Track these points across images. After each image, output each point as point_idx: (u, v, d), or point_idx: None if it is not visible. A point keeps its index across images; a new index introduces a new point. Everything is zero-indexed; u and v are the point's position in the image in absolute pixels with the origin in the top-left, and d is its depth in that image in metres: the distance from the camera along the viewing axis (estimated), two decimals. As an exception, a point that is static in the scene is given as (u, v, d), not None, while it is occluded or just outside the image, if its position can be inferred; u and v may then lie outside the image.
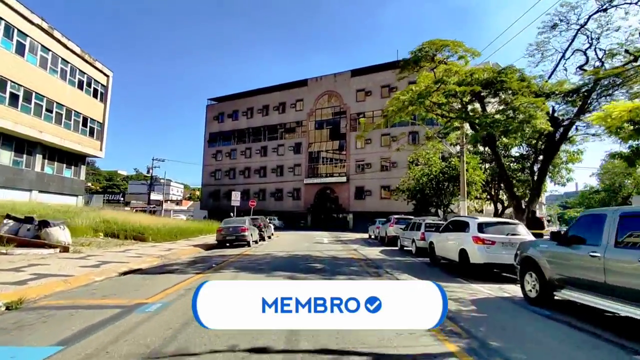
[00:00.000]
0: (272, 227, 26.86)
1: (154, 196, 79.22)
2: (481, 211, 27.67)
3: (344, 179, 44.73)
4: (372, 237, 24.86)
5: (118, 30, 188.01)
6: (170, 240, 17.77)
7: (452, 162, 21.36)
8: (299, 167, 48.70)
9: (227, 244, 16.56)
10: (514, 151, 24.81)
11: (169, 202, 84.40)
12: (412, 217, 19.26)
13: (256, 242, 18.95)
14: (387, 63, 43.74)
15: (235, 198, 25.23)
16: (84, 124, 27.76)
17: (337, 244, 20.01)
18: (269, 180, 50.75)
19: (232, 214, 32.55)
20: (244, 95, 55.76)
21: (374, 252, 15.07)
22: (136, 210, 47.71)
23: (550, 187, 25.40)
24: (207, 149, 58.00)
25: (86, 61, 27.47)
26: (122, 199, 72.58)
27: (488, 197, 25.70)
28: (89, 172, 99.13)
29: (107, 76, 30.70)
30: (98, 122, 29.77)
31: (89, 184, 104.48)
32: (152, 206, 67.36)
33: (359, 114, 45.40)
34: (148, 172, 45.29)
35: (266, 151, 51.88)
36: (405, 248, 16.34)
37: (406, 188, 23.51)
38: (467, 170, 19.38)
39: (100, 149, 30.26)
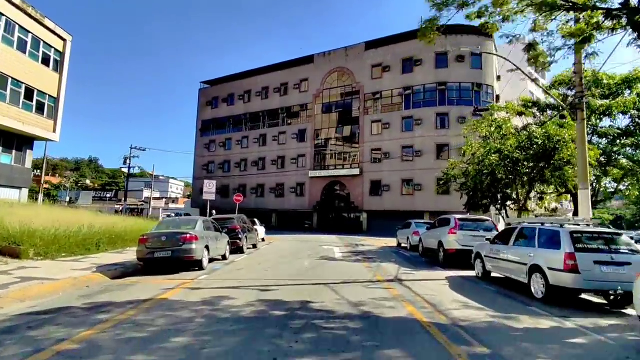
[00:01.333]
0: (263, 230, 19.51)
1: (147, 193, 72.90)
2: (554, 211, 19.74)
3: (356, 171, 37.34)
4: (404, 246, 17.21)
5: (118, 29, 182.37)
6: (78, 254, 10.41)
7: (535, 133, 13.51)
8: (303, 158, 41.33)
9: (175, 264, 9.07)
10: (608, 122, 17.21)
11: (164, 199, 78.14)
12: (485, 217, 11.55)
13: (224, 257, 11.39)
14: (409, 32, 35.95)
15: (209, 189, 17.63)
16: (29, 97, 20.97)
17: (357, 259, 12.42)
18: (269, 173, 43.41)
19: (214, 212, 25.41)
20: (240, 77, 48.63)
21: (447, 294, 7.30)
22: (121, 209, 41.43)
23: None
24: (199, 138, 51.24)
25: (31, 16, 20.47)
26: (109, 195, 65.85)
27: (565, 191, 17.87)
28: (64, 166, 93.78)
29: (64, 40, 23.67)
30: (50, 96, 22.75)
31: (88, 181, 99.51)
32: (139, 204, 60.89)
33: (374, 93, 37.95)
34: (125, 162, 38.03)
35: (265, 140, 44.61)
36: (492, 275, 8.72)
37: (461, 173, 15.37)
38: (573, 141, 11.75)
39: (54, 130, 23.22)
